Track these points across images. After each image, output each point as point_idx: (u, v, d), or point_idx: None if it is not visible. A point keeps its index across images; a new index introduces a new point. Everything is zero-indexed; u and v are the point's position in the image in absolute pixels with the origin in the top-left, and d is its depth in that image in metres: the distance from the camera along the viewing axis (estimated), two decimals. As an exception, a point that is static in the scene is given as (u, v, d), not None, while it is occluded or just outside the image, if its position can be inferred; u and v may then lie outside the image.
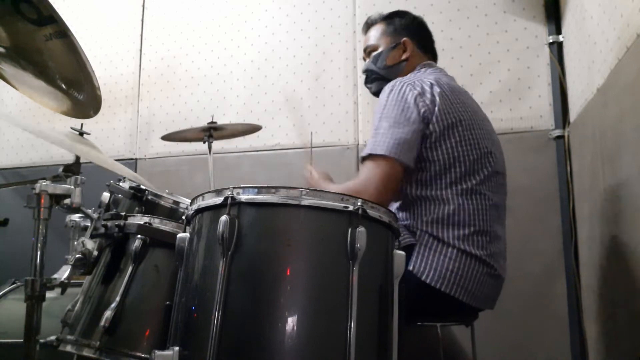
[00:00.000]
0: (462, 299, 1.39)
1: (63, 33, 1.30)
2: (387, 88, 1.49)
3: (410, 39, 1.68)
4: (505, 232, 1.57)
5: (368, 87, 1.77)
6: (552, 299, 2.24)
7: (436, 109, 1.43)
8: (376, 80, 1.71)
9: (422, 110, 1.42)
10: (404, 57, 1.67)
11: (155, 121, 3.07)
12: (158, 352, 0.97)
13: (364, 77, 1.79)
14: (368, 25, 1.78)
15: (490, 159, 1.50)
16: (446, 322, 1.61)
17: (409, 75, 1.61)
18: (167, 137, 2.38)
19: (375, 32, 1.73)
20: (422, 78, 1.53)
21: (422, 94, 1.44)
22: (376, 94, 1.75)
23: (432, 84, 1.48)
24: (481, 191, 1.46)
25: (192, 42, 3.09)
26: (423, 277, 1.37)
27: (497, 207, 1.51)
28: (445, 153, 1.43)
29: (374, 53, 1.71)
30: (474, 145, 1.47)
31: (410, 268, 1.37)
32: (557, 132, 2.35)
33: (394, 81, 1.50)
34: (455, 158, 1.43)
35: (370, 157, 1.40)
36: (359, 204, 1.00)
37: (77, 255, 1.35)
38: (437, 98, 1.44)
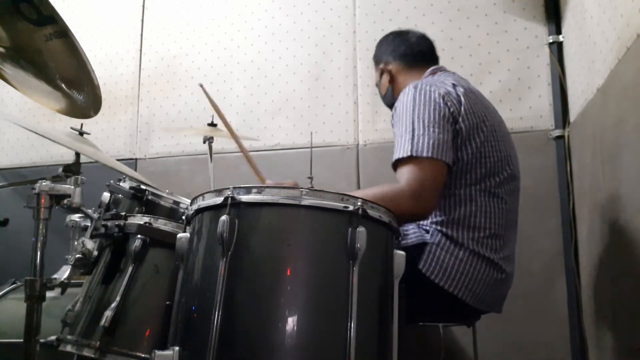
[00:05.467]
0: (468, 301, 1.38)
1: (63, 33, 1.30)
2: (408, 90, 1.45)
3: (386, 62, 1.71)
4: (516, 238, 1.55)
5: None
6: (552, 299, 2.24)
7: (462, 108, 1.40)
8: (389, 108, 1.70)
9: (451, 110, 1.39)
10: (387, 81, 1.70)
11: (155, 121, 3.07)
12: (158, 352, 0.97)
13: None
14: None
15: (510, 162, 1.49)
16: (449, 322, 1.61)
17: (424, 79, 1.57)
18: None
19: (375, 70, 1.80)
20: (442, 80, 1.51)
21: (448, 93, 1.42)
22: None
23: (454, 84, 1.47)
24: (499, 194, 1.44)
25: (192, 42, 3.09)
26: (432, 277, 1.36)
27: (511, 211, 1.49)
28: (469, 153, 1.40)
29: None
30: (495, 147, 1.45)
31: (420, 267, 1.36)
32: (557, 132, 2.35)
33: (414, 83, 1.47)
34: (477, 159, 1.41)
35: (412, 159, 1.32)
36: (359, 204, 1.00)
37: (77, 255, 1.35)
38: (462, 98, 1.42)
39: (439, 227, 1.41)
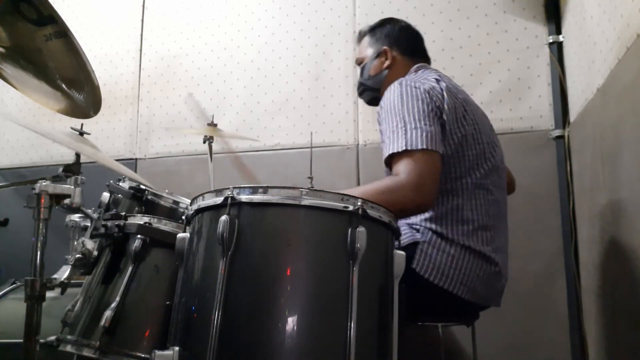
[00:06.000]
0: (464, 296, 1.39)
1: (63, 33, 1.30)
2: (394, 87, 1.46)
3: (390, 46, 1.70)
4: (508, 229, 1.57)
5: (361, 98, 1.82)
6: (552, 299, 2.24)
7: (445, 104, 1.43)
8: (365, 91, 1.76)
9: (437, 104, 1.41)
10: (385, 65, 1.68)
11: (155, 121, 3.07)
12: (158, 352, 0.97)
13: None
14: (359, 39, 1.81)
15: (492, 153, 1.52)
16: (448, 321, 1.61)
17: (408, 76, 1.60)
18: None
19: (362, 45, 1.77)
20: (425, 77, 1.53)
21: (432, 88, 1.44)
22: (369, 103, 1.79)
23: (437, 80, 1.49)
24: (484, 185, 1.46)
25: (192, 42, 3.09)
26: (426, 276, 1.37)
27: (499, 202, 1.51)
28: (452, 147, 1.42)
29: (361, 65, 1.75)
30: (477, 139, 1.47)
31: (414, 266, 1.37)
32: (557, 132, 2.35)
33: (399, 80, 1.48)
34: (459, 152, 1.44)
35: (407, 153, 1.33)
36: (359, 204, 1.00)
37: (77, 255, 1.35)
38: (445, 93, 1.44)
39: (428, 225, 1.43)
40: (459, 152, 1.44)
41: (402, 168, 1.33)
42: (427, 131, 1.35)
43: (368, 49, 1.74)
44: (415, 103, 1.40)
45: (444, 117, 1.41)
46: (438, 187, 1.35)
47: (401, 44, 1.70)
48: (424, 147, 1.33)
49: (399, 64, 1.68)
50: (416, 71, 1.64)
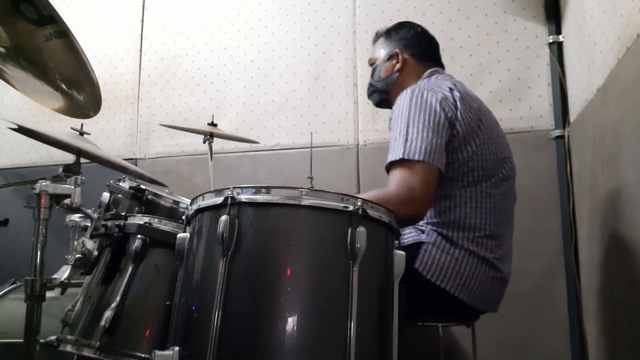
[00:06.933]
0: (465, 300, 1.38)
1: (63, 33, 1.30)
2: (405, 94, 1.45)
3: (403, 49, 1.68)
4: (512, 238, 1.56)
5: (370, 100, 1.78)
6: (552, 299, 2.24)
7: (458, 113, 1.41)
8: (374, 93, 1.73)
9: (449, 115, 1.40)
10: (396, 68, 1.67)
11: (155, 121, 3.07)
12: (158, 352, 0.97)
13: (366, 78, 1.78)
14: (374, 39, 1.79)
15: (505, 164, 1.51)
16: (447, 322, 1.61)
17: (421, 82, 1.59)
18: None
19: (376, 46, 1.75)
20: (438, 84, 1.51)
21: (445, 98, 1.42)
22: (378, 105, 1.77)
23: (451, 89, 1.47)
24: (494, 194, 1.45)
25: (192, 42, 3.09)
26: (428, 276, 1.37)
27: (506, 211, 1.51)
28: (466, 156, 1.42)
29: (372, 66, 1.74)
30: (492, 149, 1.46)
31: (416, 266, 1.37)
32: (557, 132, 2.35)
33: (412, 87, 1.47)
34: (475, 161, 1.43)
35: (403, 162, 1.34)
36: (358, 204, 1.00)
37: (77, 255, 1.35)
38: (458, 103, 1.43)
39: (434, 228, 1.42)
40: (473, 162, 1.43)
41: (395, 178, 1.34)
42: (427, 143, 1.34)
43: (381, 51, 1.72)
44: (421, 114, 1.39)
45: (458, 127, 1.40)
46: (429, 199, 1.36)
47: (414, 48, 1.68)
48: (421, 158, 1.32)
49: (411, 67, 1.66)
50: (429, 76, 1.62)
